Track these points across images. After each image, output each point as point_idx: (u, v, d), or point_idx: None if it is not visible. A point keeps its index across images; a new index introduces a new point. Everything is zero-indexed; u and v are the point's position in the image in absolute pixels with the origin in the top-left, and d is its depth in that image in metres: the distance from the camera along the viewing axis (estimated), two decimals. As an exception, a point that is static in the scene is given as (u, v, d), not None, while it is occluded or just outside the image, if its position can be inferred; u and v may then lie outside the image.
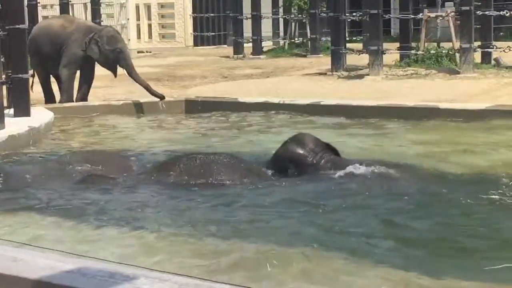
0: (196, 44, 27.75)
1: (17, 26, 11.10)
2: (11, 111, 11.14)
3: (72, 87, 13.21)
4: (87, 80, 13.34)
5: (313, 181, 6.33)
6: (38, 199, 6.62)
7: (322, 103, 11.98)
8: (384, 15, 16.26)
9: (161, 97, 12.86)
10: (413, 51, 16.61)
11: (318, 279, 4.43)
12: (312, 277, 4.44)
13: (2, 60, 10.80)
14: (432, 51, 16.34)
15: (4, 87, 10.88)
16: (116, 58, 12.97)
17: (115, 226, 5.69)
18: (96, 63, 13.21)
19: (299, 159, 6.25)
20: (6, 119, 10.21)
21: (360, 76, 15.66)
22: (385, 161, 7.06)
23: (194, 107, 12.88)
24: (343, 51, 16.90)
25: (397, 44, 17.40)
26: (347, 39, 19.31)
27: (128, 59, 13.13)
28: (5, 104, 10.81)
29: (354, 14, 19.41)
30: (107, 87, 15.58)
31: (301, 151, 6.26)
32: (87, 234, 5.49)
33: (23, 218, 6.01)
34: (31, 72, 11.74)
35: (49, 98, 13.40)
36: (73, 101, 13.11)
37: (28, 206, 6.36)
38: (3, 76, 10.68)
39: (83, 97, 13.33)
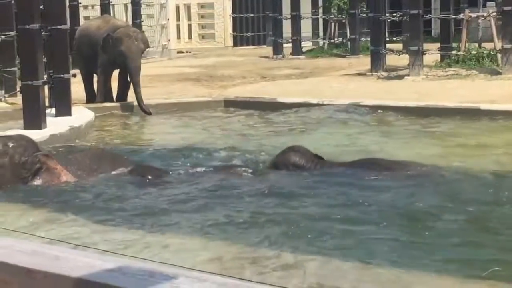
0: (235, 44, 27.79)
1: (58, 27, 11.23)
2: (53, 110, 11.27)
3: (106, 86, 13.26)
4: (124, 79, 13.42)
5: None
6: (83, 197, 6.71)
7: (361, 103, 11.95)
8: (424, 15, 16.15)
9: (148, 113, 12.54)
10: (453, 52, 16.48)
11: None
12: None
13: (44, 60, 10.94)
14: (473, 52, 16.19)
15: (46, 87, 11.01)
16: (120, 60, 12.86)
17: (151, 225, 5.74)
18: None
19: (295, 164, 7.22)
20: (48, 119, 10.33)
21: (400, 77, 15.57)
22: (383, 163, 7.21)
23: (233, 107, 12.91)
24: (383, 52, 16.81)
25: (438, 45, 17.30)
26: (387, 39, 19.20)
27: (131, 63, 12.80)
28: (46, 104, 10.94)
29: (394, 14, 19.27)
30: (146, 87, 15.67)
31: (296, 158, 7.24)
32: (127, 235, 5.55)
33: (66, 217, 6.08)
34: (73, 72, 11.84)
35: (91, 97, 13.51)
36: (107, 101, 13.16)
37: (72, 205, 6.44)
38: (45, 76, 10.80)
39: (123, 96, 13.43)
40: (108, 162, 7.59)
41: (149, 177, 7.22)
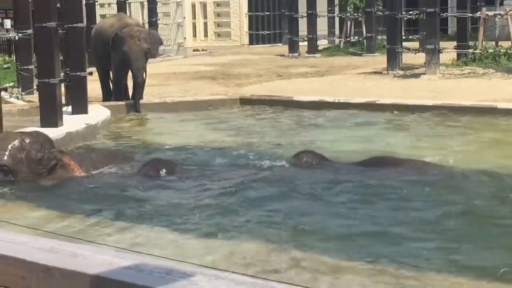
0: (251, 42, 27.79)
1: (75, 25, 11.26)
2: (69, 108, 11.31)
3: (120, 84, 13.25)
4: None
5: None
6: (98, 194, 6.74)
7: (377, 102, 11.92)
8: (441, 14, 16.08)
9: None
10: (470, 50, 16.41)
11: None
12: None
13: (60, 58, 10.98)
14: (490, 50, 16.13)
15: (63, 85, 11.05)
16: (124, 60, 12.76)
17: (170, 223, 5.75)
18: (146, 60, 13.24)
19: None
20: (64, 117, 10.36)
21: (416, 75, 15.52)
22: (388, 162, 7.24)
23: (249, 105, 12.91)
24: (399, 50, 16.76)
25: (454, 43, 17.24)
26: (403, 37, 19.14)
27: (133, 63, 12.67)
28: (63, 101, 10.98)
29: (410, 12, 19.24)
30: (162, 85, 15.71)
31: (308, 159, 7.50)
32: (143, 232, 5.56)
33: (82, 214, 6.10)
34: (89, 70, 11.87)
35: (107, 95, 13.53)
36: (123, 99, 13.15)
37: (88, 202, 6.47)
38: (62, 74, 10.84)
39: (140, 94, 13.45)
40: (119, 161, 7.66)
41: (164, 172, 7.23)
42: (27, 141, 7.13)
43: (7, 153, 7.01)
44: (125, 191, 6.79)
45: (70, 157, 7.33)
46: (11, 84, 14.18)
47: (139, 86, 12.73)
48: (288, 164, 7.48)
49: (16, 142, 7.09)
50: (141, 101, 13.22)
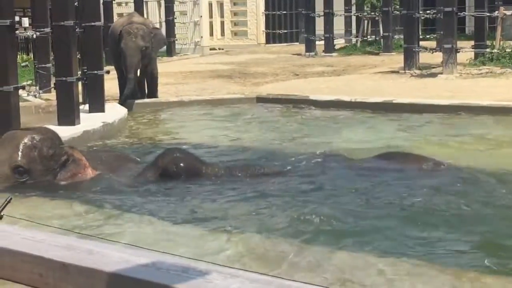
0: (268, 41, 27.79)
1: (92, 24, 11.30)
2: (86, 107, 11.36)
3: (132, 82, 13.26)
4: (149, 76, 13.47)
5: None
6: (117, 192, 6.77)
7: (394, 101, 11.90)
8: (458, 13, 16.03)
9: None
10: (488, 50, 16.35)
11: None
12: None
13: (78, 56, 11.02)
14: (508, 50, 16.05)
15: (80, 83, 11.10)
16: (121, 56, 12.78)
17: (187, 222, 5.77)
18: (153, 58, 13.26)
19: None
20: (81, 115, 10.41)
21: (433, 75, 15.48)
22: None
23: (265, 104, 12.92)
24: (416, 49, 16.72)
25: (472, 42, 17.17)
26: (420, 37, 19.09)
27: (126, 59, 12.66)
28: (80, 100, 11.03)
29: (428, 11, 19.20)
30: (179, 83, 15.75)
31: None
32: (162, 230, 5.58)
33: (100, 211, 6.13)
34: (106, 68, 11.92)
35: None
36: (138, 97, 13.16)
37: (106, 200, 6.50)
38: (79, 73, 10.88)
39: (154, 93, 13.49)
40: (126, 161, 7.70)
41: (182, 165, 7.19)
42: (38, 138, 7.13)
43: (20, 152, 7.01)
44: (141, 187, 6.82)
45: (81, 153, 7.37)
46: (29, 82, 14.25)
47: (128, 81, 12.67)
48: (305, 162, 7.50)
49: (27, 141, 7.08)
50: (156, 100, 13.27)
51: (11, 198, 3.49)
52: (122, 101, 12.61)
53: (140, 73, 13.48)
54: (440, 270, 4.49)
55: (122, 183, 7.02)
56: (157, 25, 21.33)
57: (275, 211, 5.93)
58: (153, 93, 13.52)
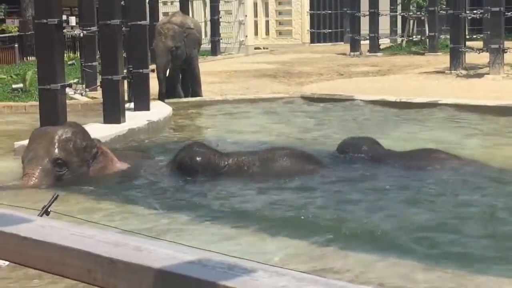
0: (312, 41, 27.74)
1: (138, 22, 11.39)
2: (132, 105, 11.44)
3: (173, 81, 13.30)
4: (191, 75, 13.53)
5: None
6: (163, 191, 6.85)
7: (439, 102, 11.80)
8: (506, 13, 15.84)
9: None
10: (535, 50, 16.13)
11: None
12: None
13: (124, 55, 11.11)
14: (557, 50, 15.83)
15: (125, 82, 11.18)
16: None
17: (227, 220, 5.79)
18: (192, 57, 13.31)
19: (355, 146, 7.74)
20: (127, 113, 10.48)
21: (480, 75, 15.32)
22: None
23: (310, 103, 12.89)
24: (463, 49, 16.56)
25: (519, 43, 16.95)
26: (467, 37, 18.90)
27: (156, 58, 12.81)
28: (126, 98, 11.11)
29: (474, 11, 18.97)
30: (223, 82, 15.79)
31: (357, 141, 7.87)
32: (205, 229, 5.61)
33: (145, 209, 6.20)
34: (152, 67, 12.00)
35: (172, 93, 13.56)
36: (175, 96, 13.19)
37: (150, 198, 6.57)
38: (125, 71, 10.97)
39: (197, 92, 13.54)
40: (146, 157, 7.87)
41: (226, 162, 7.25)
42: (70, 131, 7.32)
43: (57, 146, 7.17)
44: (173, 184, 6.92)
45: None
46: (75, 80, 14.40)
47: (160, 81, 12.76)
48: (343, 159, 7.53)
49: (61, 134, 7.25)
50: (201, 99, 13.32)
51: (57, 195, 3.54)
52: (160, 100, 12.67)
53: (181, 73, 13.55)
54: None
55: (149, 177, 7.16)
56: (202, 25, 21.43)
57: (313, 208, 5.94)
58: (197, 92, 13.56)
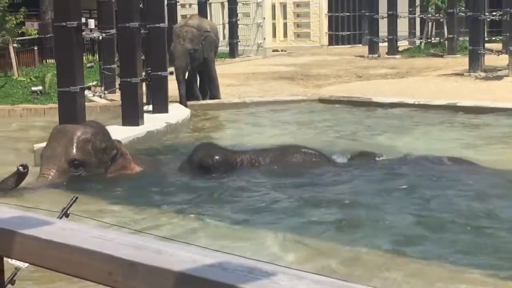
0: (330, 43, 27.72)
1: (157, 25, 11.42)
2: (150, 107, 11.48)
3: (191, 84, 13.32)
4: (208, 77, 13.55)
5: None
6: (180, 193, 6.87)
7: (458, 104, 11.77)
8: (526, 15, 15.76)
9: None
10: (555, 52, 16.03)
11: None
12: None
13: (142, 57, 11.15)
14: None
15: (144, 84, 11.22)
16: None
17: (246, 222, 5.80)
18: (209, 60, 13.34)
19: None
20: (145, 115, 10.52)
21: (499, 77, 15.26)
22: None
23: (328, 105, 12.89)
24: (482, 51, 16.49)
25: (539, 45, 16.84)
26: (486, 39, 18.81)
27: (175, 62, 12.85)
28: (144, 100, 11.15)
29: (494, 13, 18.89)
30: (241, 85, 15.81)
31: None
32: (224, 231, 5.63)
33: (166, 212, 6.22)
34: (170, 69, 12.04)
35: (190, 95, 13.59)
36: (194, 98, 13.22)
37: (168, 201, 6.59)
38: (143, 74, 11.01)
39: (216, 95, 13.56)
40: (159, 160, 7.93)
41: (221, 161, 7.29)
42: (90, 131, 7.30)
43: (75, 146, 7.17)
44: (184, 183, 6.95)
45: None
46: (94, 83, 14.47)
47: (179, 83, 12.80)
48: (358, 162, 7.55)
49: (81, 134, 7.24)
50: (219, 101, 13.34)
51: (76, 198, 3.55)
52: (182, 103, 12.70)
53: (199, 76, 13.59)
54: None
55: (166, 178, 7.18)
56: (220, 27, 21.46)
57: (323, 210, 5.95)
58: (214, 94, 13.60)
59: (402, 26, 24.21)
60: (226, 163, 7.19)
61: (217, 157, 7.17)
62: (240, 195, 6.59)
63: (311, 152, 7.52)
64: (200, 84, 13.67)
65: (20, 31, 19.65)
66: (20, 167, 6.66)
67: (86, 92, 10.64)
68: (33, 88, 14.15)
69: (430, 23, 24.28)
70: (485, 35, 18.84)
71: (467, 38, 19.03)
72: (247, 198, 6.50)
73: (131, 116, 10.19)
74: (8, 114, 12.65)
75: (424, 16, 24.42)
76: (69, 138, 7.23)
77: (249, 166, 7.24)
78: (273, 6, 26.93)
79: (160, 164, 7.81)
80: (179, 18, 20.44)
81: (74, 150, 7.16)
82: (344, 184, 6.76)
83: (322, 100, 13.21)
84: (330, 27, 27.85)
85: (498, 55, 16.53)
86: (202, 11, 20.52)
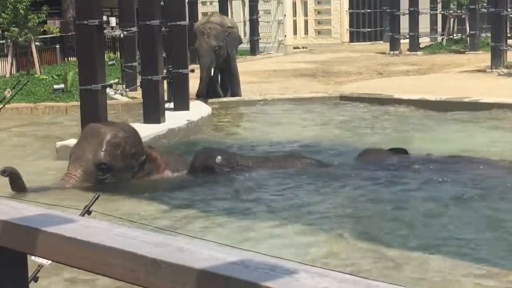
0: (352, 40, 27.65)
1: (178, 23, 11.45)
2: (171, 105, 11.50)
3: (209, 80, 13.33)
4: (229, 75, 13.56)
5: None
6: (205, 192, 6.90)
7: (480, 101, 11.70)
8: (548, 11, 15.65)
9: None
10: None
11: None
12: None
13: (163, 55, 11.17)
14: None
15: (165, 82, 11.25)
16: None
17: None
18: (231, 57, 13.34)
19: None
20: (166, 113, 10.55)
21: (521, 74, 15.18)
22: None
23: (349, 103, 12.85)
24: (504, 48, 16.39)
25: (562, 41, 16.74)
26: (508, 35, 18.69)
27: (200, 59, 12.89)
28: (165, 98, 11.18)
29: (516, 9, 18.74)
30: (262, 82, 15.81)
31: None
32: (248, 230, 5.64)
33: (191, 211, 6.24)
34: (191, 67, 12.05)
35: (211, 93, 13.61)
36: (213, 95, 13.23)
37: (196, 200, 6.62)
38: (164, 71, 11.04)
39: (237, 92, 13.57)
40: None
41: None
42: (121, 135, 7.18)
43: (103, 149, 7.08)
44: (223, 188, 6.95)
45: (158, 152, 7.48)
46: (116, 80, 14.52)
47: (201, 81, 12.84)
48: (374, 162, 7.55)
49: (111, 138, 7.13)
50: (239, 99, 13.35)
51: (98, 195, 3.58)
52: (198, 98, 12.72)
53: (220, 73, 13.60)
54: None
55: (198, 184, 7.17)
56: (241, 24, 21.47)
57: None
58: (236, 92, 13.60)
59: (424, 23, 24.11)
60: (228, 164, 7.25)
61: (219, 158, 7.25)
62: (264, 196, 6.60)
63: (309, 161, 7.56)
64: (221, 81, 13.68)
65: (42, 30, 19.75)
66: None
67: (108, 90, 10.69)
68: (55, 86, 14.21)
69: (452, 20, 24.17)
70: (508, 31, 18.73)
71: (489, 35, 18.92)
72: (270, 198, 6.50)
73: (152, 113, 10.21)
74: (30, 112, 12.74)
75: (446, 12, 24.31)
76: (100, 141, 7.10)
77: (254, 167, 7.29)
78: (294, 3, 26.91)
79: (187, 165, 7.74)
80: (199, 16, 20.47)
81: (103, 154, 7.06)
82: (349, 187, 6.75)
83: (343, 97, 13.17)
84: (351, 24, 27.79)
85: (521, 51, 16.43)
86: (223, 8, 20.55)
